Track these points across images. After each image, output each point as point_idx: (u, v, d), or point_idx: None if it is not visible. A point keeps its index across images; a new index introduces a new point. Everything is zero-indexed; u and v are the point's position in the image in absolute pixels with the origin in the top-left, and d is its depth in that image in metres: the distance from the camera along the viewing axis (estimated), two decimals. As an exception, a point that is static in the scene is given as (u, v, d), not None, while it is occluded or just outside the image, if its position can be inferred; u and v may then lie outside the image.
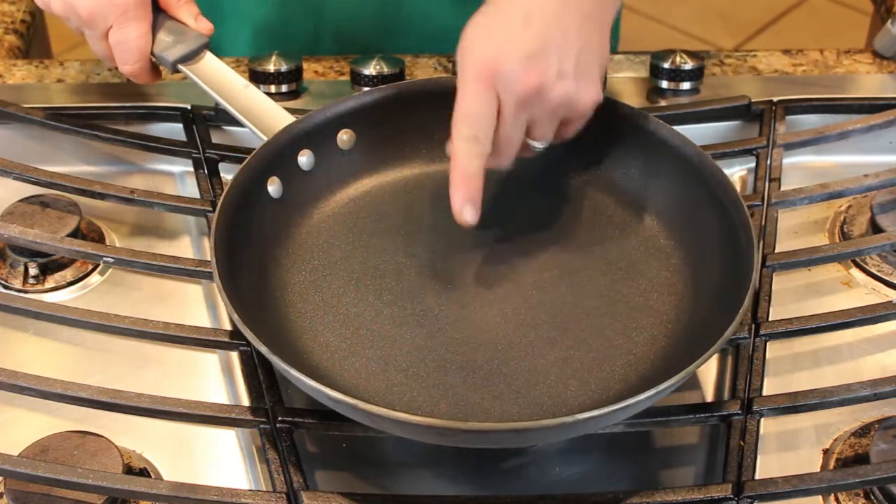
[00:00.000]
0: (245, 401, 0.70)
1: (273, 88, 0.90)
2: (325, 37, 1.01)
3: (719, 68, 0.95)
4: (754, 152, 0.85)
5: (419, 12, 1.00)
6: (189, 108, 0.88)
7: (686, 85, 0.91)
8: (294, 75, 0.90)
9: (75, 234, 0.79)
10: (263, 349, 0.62)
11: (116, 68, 0.81)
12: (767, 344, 0.72)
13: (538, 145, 0.73)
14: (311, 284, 0.73)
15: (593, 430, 0.65)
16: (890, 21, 0.95)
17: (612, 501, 0.62)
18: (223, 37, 1.08)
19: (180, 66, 0.81)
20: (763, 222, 0.79)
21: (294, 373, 0.61)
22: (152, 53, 0.81)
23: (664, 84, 0.91)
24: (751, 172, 0.87)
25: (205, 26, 0.81)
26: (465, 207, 0.70)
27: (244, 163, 0.74)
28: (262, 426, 0.67)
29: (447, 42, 0.91)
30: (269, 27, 1.01)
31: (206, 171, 0.83)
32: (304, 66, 0.92)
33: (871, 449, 0.64)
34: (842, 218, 0.84)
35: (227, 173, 0.84)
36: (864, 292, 0.78)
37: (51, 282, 0.78)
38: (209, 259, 0.67)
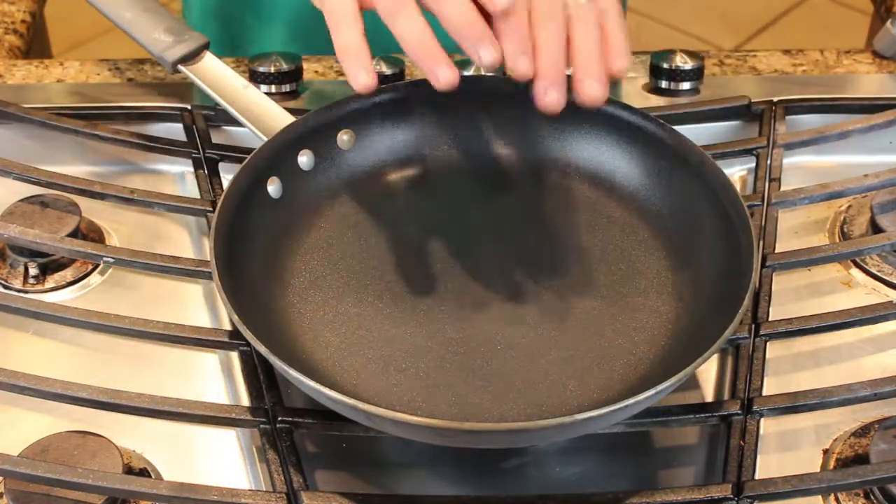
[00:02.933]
0: (245, 401, 0.70)
1: (273, 88, 0.90)
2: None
3: (719, 68, 0.95)
4: (754, 152, 0.85)
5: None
6: (189, 108, 0.88)
7: (686, 85, 0.91)
8: (294, 75, 0.90)
9: (75, 234, 0.79)
10: (263, 349, 0.62)
11: None
12: (767, 344, 0.72)
13: None
14: (311, 284, 0.73)
15: (593, 431, 0.65)
16: (890, 21, 0.95)
17: (612, 501, 0.62)
18: (246, 36, 1.08)
19: (180, 67, 0.81)
20: (763, 222, 0.79)
21: (293, 373, 0.61)
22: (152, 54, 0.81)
23: (664, 84, 0.91)
24: (751, 172, 0.87)
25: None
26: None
27: (244, 163, 0.74)
28: (262, 426, 0.67)
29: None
30: (303, 26, 1.01)
31: (206, 171, 0.83)
32: (304, 66, 0.92)
33: (871, 449, 0.64)
34: (842, 218, 0.84)
35: (227, 173, 0.84)
36: (864, 292, 0.78)
37: (51, 282, 0.78)
38: (209, 259, 0.67)
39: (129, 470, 0.65)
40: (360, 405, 0.59)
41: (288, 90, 0.90)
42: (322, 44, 0.95)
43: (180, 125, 0.87)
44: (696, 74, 0.91)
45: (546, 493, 0.63)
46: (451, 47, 0.96)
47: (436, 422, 0.61)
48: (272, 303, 0.72)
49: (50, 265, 0.79)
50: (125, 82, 0.94)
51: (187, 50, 0.81)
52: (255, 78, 0.90)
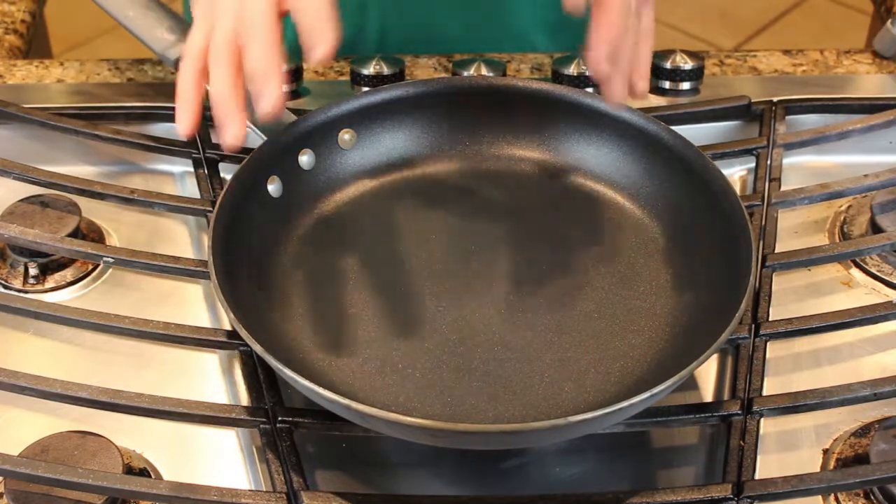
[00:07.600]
0: (245, 401, 0.70)
1: (273, 88, 0.90)
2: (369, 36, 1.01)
3: (719, 68, 0.95)
4: (754, 152, 0.85)
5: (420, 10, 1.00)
6: (189, 107, 0.88)
7: (686, 85, 0.91)
8: (294, 75, 0.90)
9: (75, 234, 0.79)
10: (258, 348, 0.62)
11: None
12: (767, 344, 0.72)
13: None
14: (309, 284, 0.73)
15: (589, 432, 0.65)
16: (890, 21, 0.95)
17: (612, 501, 0.62)
18: None
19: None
20: (763, 222, 0.79)
21: (288, 372, 0.61)
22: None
23: (664, 84, 0.91)
24: (751, 172, 0.87)
25: None
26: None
27: (244, 162, 0.74)
28: (262, 426, 0.67)
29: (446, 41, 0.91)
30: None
31: (206, 171, 0.83)
32: (305, 66, 0.92)
33: (871, 449, 0.64)
34: (842, 218, 0.84)
35: (227, 173, 0.84)
36: (864, 292, 0.78)
37: (51, 282, 0.78)
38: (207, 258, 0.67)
39: (129, 470, 0.65)
40: (355, 405, 0.59)
41: (288, 90, 0.90)
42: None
43: (180, 125, 0.87)
44: (696, 74, 0.91)
45: (546, 493, 0.63)
46: (446, 49, 0.97)
47: (430, 423, 0.61)
48: (270, 302, 0.72)
49: (50, 265, 0.79)
50: (125, 82, 0.94)
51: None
52: (255, 78, 0.90)
